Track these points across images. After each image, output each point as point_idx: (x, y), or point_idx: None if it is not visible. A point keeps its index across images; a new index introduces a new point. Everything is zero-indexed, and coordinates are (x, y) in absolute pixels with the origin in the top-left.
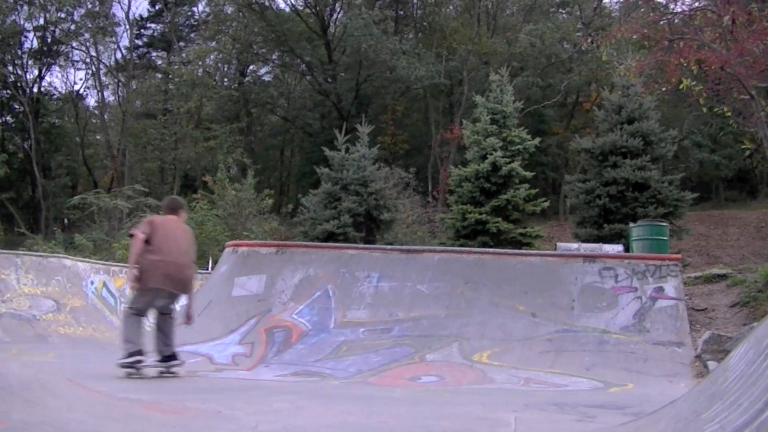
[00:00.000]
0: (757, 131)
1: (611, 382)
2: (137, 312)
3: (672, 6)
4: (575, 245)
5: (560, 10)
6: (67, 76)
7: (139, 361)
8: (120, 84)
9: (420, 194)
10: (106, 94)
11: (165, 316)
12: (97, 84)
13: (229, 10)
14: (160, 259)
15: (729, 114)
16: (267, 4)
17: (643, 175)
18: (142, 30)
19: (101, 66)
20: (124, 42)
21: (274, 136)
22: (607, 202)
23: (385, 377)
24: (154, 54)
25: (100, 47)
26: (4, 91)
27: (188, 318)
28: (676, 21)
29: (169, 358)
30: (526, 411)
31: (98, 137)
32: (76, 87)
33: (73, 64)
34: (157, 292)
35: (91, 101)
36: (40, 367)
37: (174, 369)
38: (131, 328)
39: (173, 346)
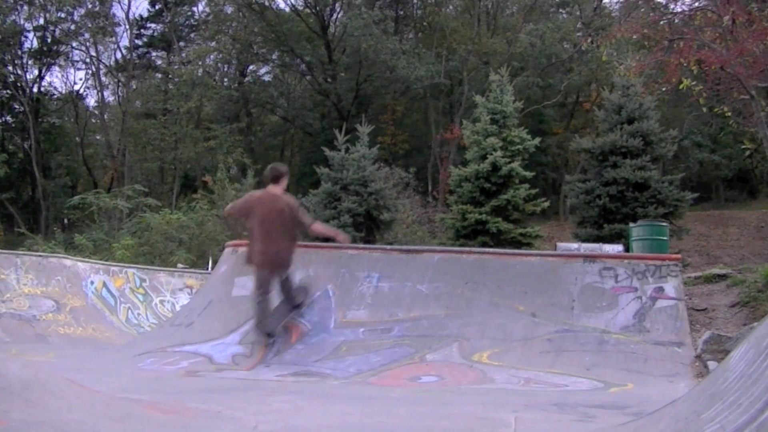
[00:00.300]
0: (757, 131)
1: (611, 382)
2: (261, 292)
3: (672, 6)
4: (575, 245)
5: (560, 10)
6: (67, 76)
7: (272, 337)
8: (120, 84)
9: (420, 194)
10: (106, 94)
11: (282, 283)
12: (97, 84)
13: (229, 10)
14: (253, 248)
15: (729, 114)
16: (267, 4)
17: (643, 175)
18: (142, 30)
19: (101, 66)
20: (124, 42)
21: (274, 136)
22: (607, 202)
23: (385, 377)
24: (154, 54)
25: (100, 47)
26: (4, 91)
27: (338, 237)
28: (676, 21)
29: (296, 307)
30: (526, 411)
31: (98, 137)
32: (76, 87)
33: (73, 64)
34: (261, 274)
35: (91, 101)
36: (40, 367)
37: (299, 311)
38: (260, 311)
39: (295, 301)
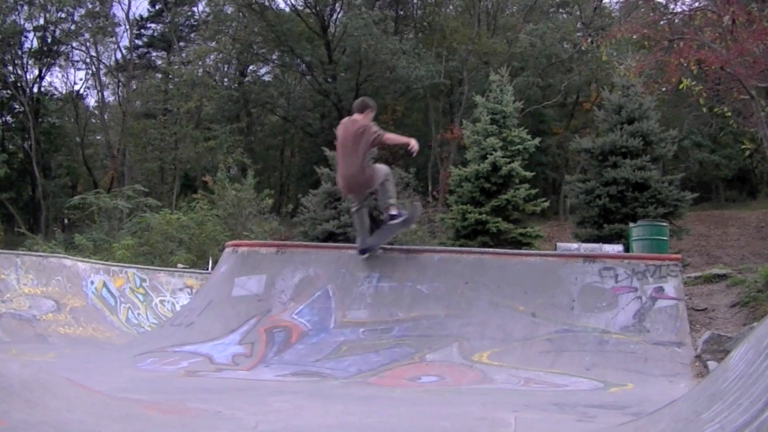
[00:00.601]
0: (757, 131)
1: (611, 382)
2: (354, 214)
3: (672, 6)
4: (575, 245)
5: (560, 10)
6: (67, 76)
7: (366, 254)
8: (120, 84)
9: (420, 194)
10: (106, 94)
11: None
12: (97, 84)
13: (229, 10)
14: (337, 173)
15: (729, 114)
16: (267, 4)
17: (643, 175)
18: (142, 30)
19: (101, 66)
20: (124, 42)
21: (274, 136)
22: (607, 202)
23: (385, 377)
24: (154, 54)
25: (100, 47)
26: (4, 91)
27: (410, 142)
28: (676, 21)
29: (391, 218)
30: (526, 411)
31: (98, 137)
32: (76, 87)
33: (73, 64)
34: (349, 197)
35: (91, 101)
36: (40, 367)
37: (396, 221)
38: (357, 227)
39: (390, 210)
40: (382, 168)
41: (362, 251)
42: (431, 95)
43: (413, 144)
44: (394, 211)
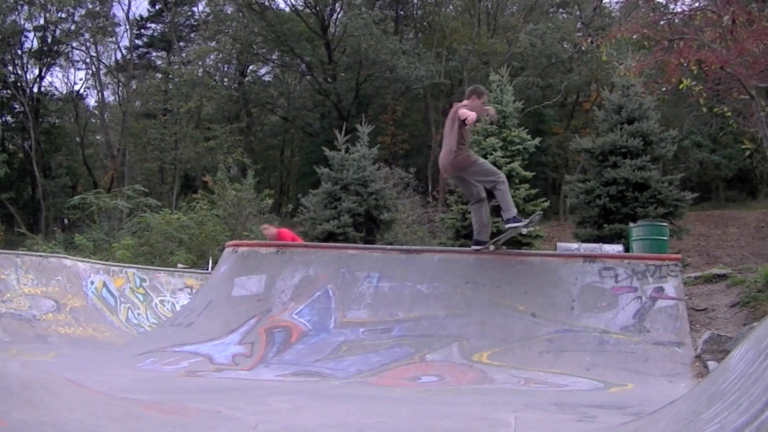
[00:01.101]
0: (757, 131)
1: (611, 382)
2: (473, 203)
3: (672, 6)
4: (575, 245)
5: (560, 10)
6: (68, 76)
7: (481, 247)
8: (120, 84)
9: (420, 194)
10: (106, 94)
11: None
12: (97, 84)
13: (229, 10)
14: None
15: (729, 114)
16: (267, 4)
17: (643, 175)
18: (142, 30)
19: (101, 66)
20: (124, 42)
21: (274, 136)
22: (607, 202)
23: (385, 377)
24: (154, 54)
25: (100, 47)
26: (4, 91)
27: (490, 112)
28: (676, 21)
29: (507, 222)
30: (526, 411)
31: (98, 137)
32: (76, 87)
33: (73, 64)
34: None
35: (91, 101)
36: (40, 367)
37: (510, 226)
38: (474, 220)
39: (507, 212)
40: (487, 165)
41: (476, 243)
42: (431, 95)
43: (492, 112)
44: (510, 216)
